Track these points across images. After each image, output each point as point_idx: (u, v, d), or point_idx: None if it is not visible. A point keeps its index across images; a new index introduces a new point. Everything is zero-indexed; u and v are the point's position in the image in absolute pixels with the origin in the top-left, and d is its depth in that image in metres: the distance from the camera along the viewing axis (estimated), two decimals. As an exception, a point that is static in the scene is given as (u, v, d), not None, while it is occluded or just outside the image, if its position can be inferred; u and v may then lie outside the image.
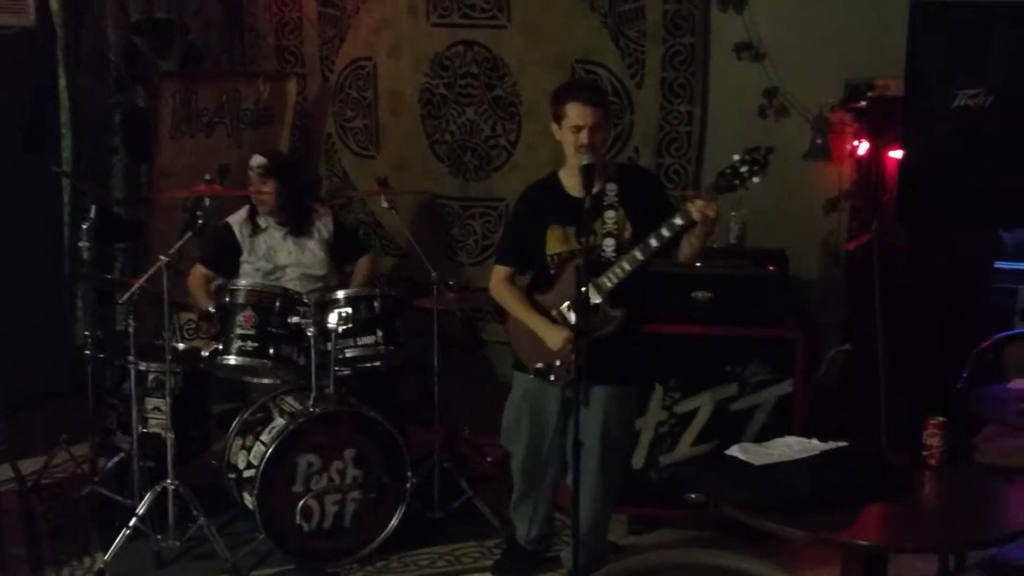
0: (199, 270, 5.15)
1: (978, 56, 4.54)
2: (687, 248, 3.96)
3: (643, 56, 5.72)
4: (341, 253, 5.27)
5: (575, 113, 3.99)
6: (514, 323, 4.26)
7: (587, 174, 3.84)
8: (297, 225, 5.15)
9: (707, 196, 3.79)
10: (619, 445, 4.21)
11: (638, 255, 3.91)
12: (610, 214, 4.05)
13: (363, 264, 5.35)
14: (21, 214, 5.65)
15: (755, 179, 3.77)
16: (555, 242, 4.12)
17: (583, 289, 3.67)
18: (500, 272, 4.29)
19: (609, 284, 3.94)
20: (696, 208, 3.78)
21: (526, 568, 4.51)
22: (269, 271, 5.10)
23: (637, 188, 4.12)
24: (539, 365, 4.12)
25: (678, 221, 3.82)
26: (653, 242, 3.88)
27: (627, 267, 3.93)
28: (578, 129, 3.98)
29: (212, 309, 4.74)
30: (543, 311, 4.13)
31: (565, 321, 4.06)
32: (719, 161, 5.49)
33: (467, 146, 6.20)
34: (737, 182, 3.77)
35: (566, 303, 4.06)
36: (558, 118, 4.05)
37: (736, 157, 3.76)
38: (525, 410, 4.24)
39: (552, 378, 4.10)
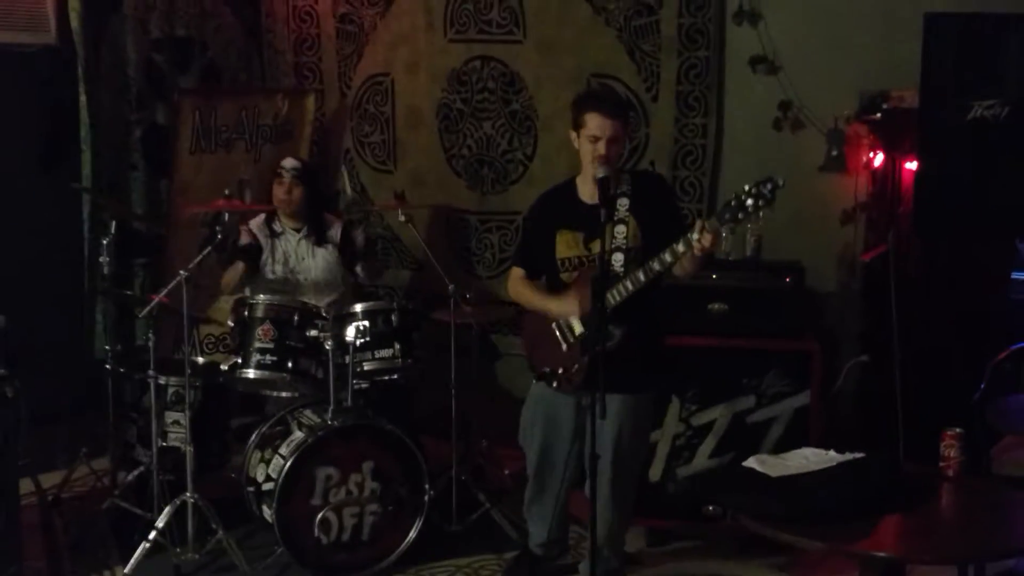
0: (239, 265, 5.14)
1: (993, 67, 4.53)
2: (679, 270, 3.98)
3: (658, 70, 5.73)
4: (345, 260, 5.33)
5: (594, 124, 4.02)
6: (526, 326, 4.32)
7: (603, 187, 3.86)
8: (316, 233, 5.21)
9: (712, 227, 3.76)
10: (632, 456, 4.22)
11: (641, 277, 3.94)
12: (620, 228, 4.07)
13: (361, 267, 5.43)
14: (42, 230, 5.69)
15: (760, 213, 3.72)
16: (564, 246, 4.16)
17: (600, 297, 3.70)
18: (516, 273, 4.38)
19: (612, 302, 3.96)
20: (694, 236, 3.77)
21: (537, 574, 4.52)
22: (285, 275, 5.15)
23: (649, 198, 4.15)
24: (545, 369, 4.18)
25: (680, 248, 3.82)
26: (656, 266, 3.90)
27: (631, 287, 3.96)
28: (596, 139, 4.01)
29: (231, 323, 4.79)
30: (553, 317, 4.18)
31: (571, 331, 4.13)
32: (734, 174, 5.58)
33: (484, 160, 6.23)
34: (741, 215, 3.70)
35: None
36: (577, 126, 4.09)
37: (745, 187, 3.72)
38: (539, 414, 4.29)
39: (555, 385, 4.15)
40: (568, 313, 4.10)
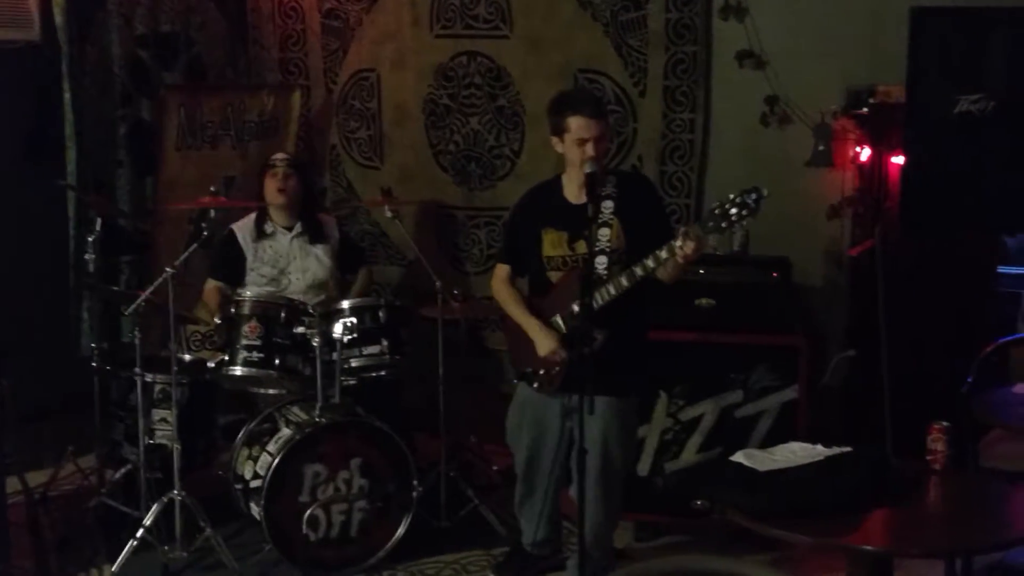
0: (211, 284, 5.16)
1: (979, 61, 4.54)
2: (663, 273, 3.98)
3: (645, 65, 5.73)
4: (343, 262, 5.30)
5: (578, 126, 4.01)
6: (508, 325, 4.32)
7: (591, 182, 3.87)
8: (310, 230, 5.18)
9: (694, 234, 3.77)
10: (618, 456, 4.21)
11: (624, 281, 3.95)
12: (604, 232, 4.06)
13: (362, 275, 5.40)
14: (27, 227, 5.66)
15: (744, 223, 3.77)
16: (549, 245, 4.16)
17: (585, 300, 3.70)
18: (501, 271, 4.38)
19: (595, 305, 3.95)
20: (676, 244, 3.78)
21: (527, 571, 4.52)
22: (275, 276, 5.12)
23: (634, 201, 4.15)
24: (526, 370, 4.19)
25: (664, 255, 3.84)
26: (639, 271, 3.92)
27: (613, 291, 3.97)
28: (583, 142, 4.00)
29: (218, 320, 4.78)
30: (538, 316, 4.17)
31: (557, 331, 4.13)
32: (722, 169, 5.59)
33: (471, 156, 6.22)
34: (725, 224, 3.75)
35: (557, 315, 4.13)
36: (559, 131, 4.07)
37: (730, 196, 3.74)
38: (526, 417, 4.29)
39: (535, 386, 4.15)
40: (545, 352, 4.10)
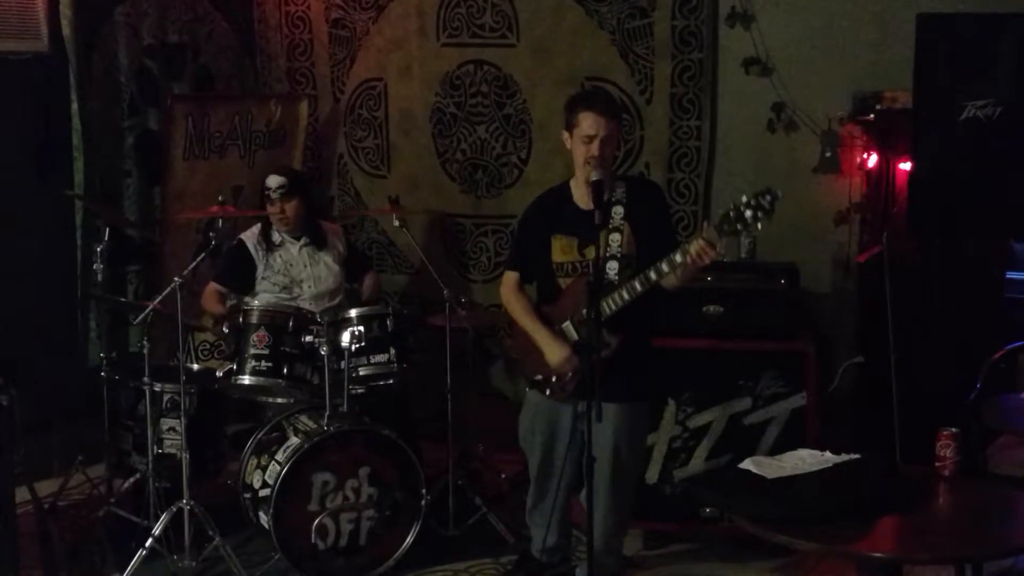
0: (212, 287, 5.17)
1: (986, 67, 4.55)
2: (672, 279, 3.94)
3: (652, 72, 5.74)
4: (350, 270, 5.31)
5: (588, 123, 4.01)
6: (517, 333, 4.31)
7: (597, 190, 3.85)
8: (315, 240, 5.19)
9: (709, 238, 3.74)
10: (630, 462, 4.21)
11: (637, 287, 3.93)
12: (615, 237, 4.05)
13: (369, 280, 5.41)
14: (35, 237, 5.67)
15: (759, 225, 3.68)
16: (559, 251, 4.15)
17: (593, 308, 3.69)
18: (510, 277, 4.35)
19: (608, 311, 3.95)
20: (692, 249, 3.76)
21: (536, 578, 4.52)
22: (286, 285, 5.13)
23: (644, 206, 4.14)
24: (537, 377, 4.18)
25: (678, 259, 3.81)
26: (653, 275, 3.90)
27: (626, 296, 3.95)
28: (590, 139, 4.00)
29: (226, 330, 4.79)
30: (548, 323, 4.17)
31: (567, 338, 4.12)
32: (729, 176, 5.59)
33: (478, 164, 6.23)
34: (740, 227, 3.69)
35: (568, 321, 4.12)
36: (570, 126, 4.07)
37: (744, 198, 3.69)
38: (539, 421, 4.28)
39: (548, 393, 4.15)
40: (556, 361, 4.08)
